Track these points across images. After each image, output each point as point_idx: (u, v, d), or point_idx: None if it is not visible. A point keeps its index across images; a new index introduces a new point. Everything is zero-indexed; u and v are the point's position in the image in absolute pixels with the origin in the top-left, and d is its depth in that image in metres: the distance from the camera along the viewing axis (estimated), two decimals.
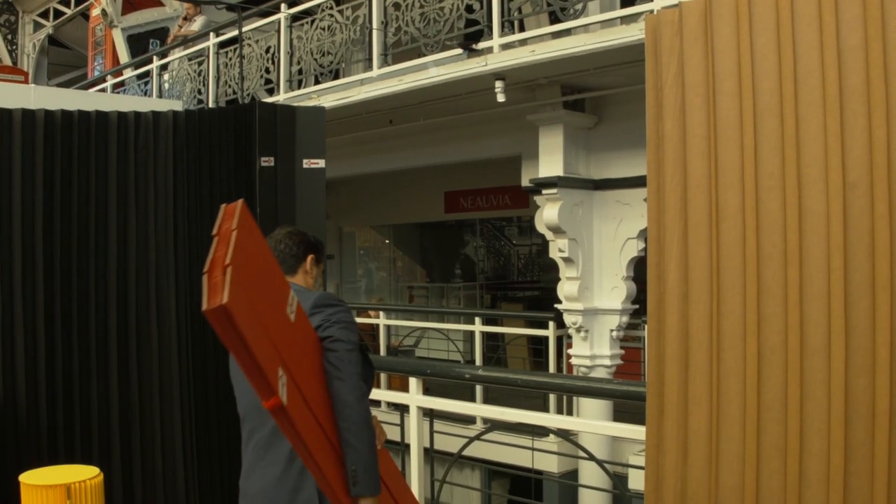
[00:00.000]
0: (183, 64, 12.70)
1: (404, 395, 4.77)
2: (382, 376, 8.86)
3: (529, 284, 17.64)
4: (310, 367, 2.83)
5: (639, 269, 8.34)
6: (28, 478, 3.73)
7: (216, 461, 4.97)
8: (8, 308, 4.56)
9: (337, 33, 9.78)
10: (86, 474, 3.79)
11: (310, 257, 3.32)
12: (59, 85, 18.32)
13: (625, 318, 8.67)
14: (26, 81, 12.71)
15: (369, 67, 9.33)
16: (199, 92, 12.12)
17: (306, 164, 5.10)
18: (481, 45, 8.04)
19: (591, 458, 4.99)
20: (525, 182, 9.16)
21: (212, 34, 11.93)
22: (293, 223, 4.95)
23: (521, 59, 7.65)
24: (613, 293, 8.57)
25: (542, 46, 7.56)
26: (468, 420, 9.41)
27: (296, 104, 6.49)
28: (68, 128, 4.72)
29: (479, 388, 9.63)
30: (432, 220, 16.41)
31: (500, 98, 8.12)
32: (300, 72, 10.41)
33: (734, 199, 3.12)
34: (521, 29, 8.37)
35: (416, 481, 4.93)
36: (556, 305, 8.91)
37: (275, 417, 2.51)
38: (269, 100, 10.17)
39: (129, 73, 14.37)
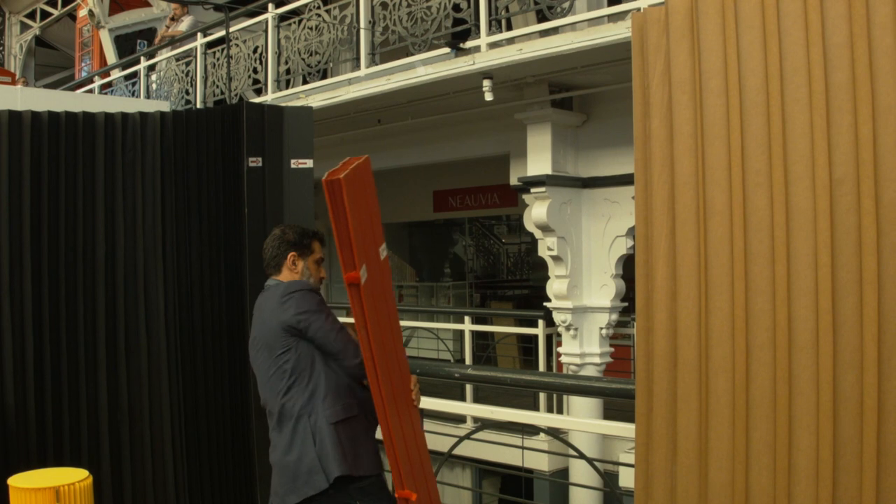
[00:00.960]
0: (170, 64, 12.67)
1: None
2: None
3: (519, 283, 17.67)
4: (384, 298, 3.50)
5: (628, 266, 8.36)
6: (17, 481, 3.71)
7: (205, 463, 4.96)
8: None
9: (324, 33, 9.77)
10: (75, 477, 3.77)
11: (290, 255, 3.75)
12: (47, 86, 18.26)
13: (614, 316, 8.69)
14: (13, 82, 12.68)
15: (357, 67, 9.32)
16: (187, 92, 12.09)
17: (294, 164, 5.09)
18: (469, 43, 8.05)
19: (582, 456, 4.99)
20: (513, 181, 9.17)
21: (199, 34, 11.90)
22: (281, 223, 4.95)
23: (509, 58, 7.66)
24: (602, 291, 8.59)
25: (529, 45, 7.57)
26: (458, 419, 9.41)
27: (284, 104, 6.47)
28: (55, 129, 4.70)
29: (469, 388, 9.63)
30: (421, 220, 16.40)
31: (488, 97, 8.13)
32: (288, 72, 10.39)
33: (721, 196, 3.13)
34: (509, 27, 8.37)
35: None
36: (545, 304, 8.92)
37: (349, 292, 3.14)
38: (257, 100, 10.16)
39: (116, 74, 14.33)
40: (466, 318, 10.79)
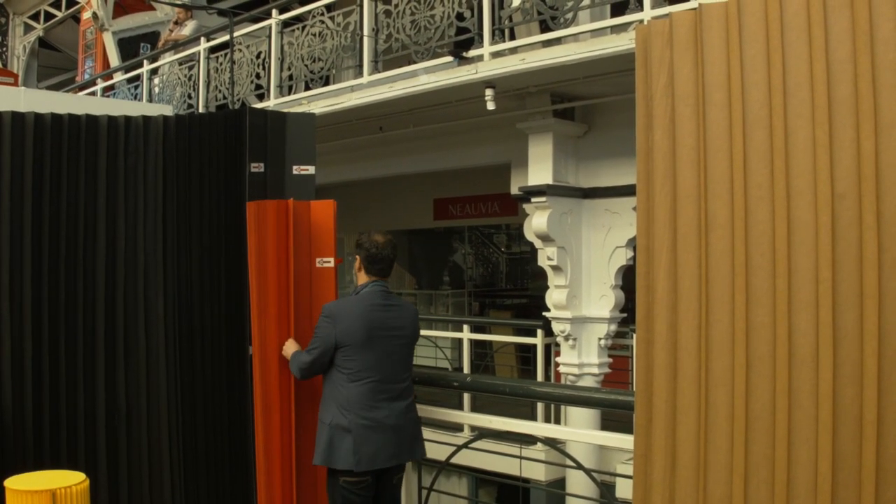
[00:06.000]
0: (173, 68, 12.69)
1: None
2: None
3: (518, 292, 17.66)
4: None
5: (627, 277, 8.36)
6: (13, 483, 3.70)
7: (202, 467, 4.95)
8: None
9: (328, 40, 9.79)
10: (72, 480, 3.77)
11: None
12: (49, 88, 18.27)
13: (613, 327, 8.69)
14: (16, 84, 12.68)
15: (360, 74, 9.34)
16: (190, 97, 12.11)
17: (296, 170, 5.10)
18: (472, 52, 8.07)
19: (579, 466, 4.98)
20: (514, 190, 9.17)
21: (203, 39, 11.92)
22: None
23: (512, 68, 7.67)
24: (602, 302, 8.59)
25: (532, 55, 7.58)
26: (456, 428, 9.40)
27: (286, 110, 6.48)
28: (58, 131, 4.70)
29: (466, 396, 9.62)
30: (421, 228, 16.41)
31: (490, 106, 8.14)
32: (290, 77, 10.40)
33: (723, 209, 3.14)
34: (512, 37, 8.38)
35: (403, 489, 4.92)
36: (544, 313, 8.92)
37: None
38: (260, 105, 10.17)
39: (119, 77, 14.34)
40: (465, 327, 10.78)
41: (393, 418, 4.36)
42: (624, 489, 7.30)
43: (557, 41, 7.65)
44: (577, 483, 8.22)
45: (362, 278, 4.54)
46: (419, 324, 4.67)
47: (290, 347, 4.55)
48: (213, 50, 11.78)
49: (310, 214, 4.76)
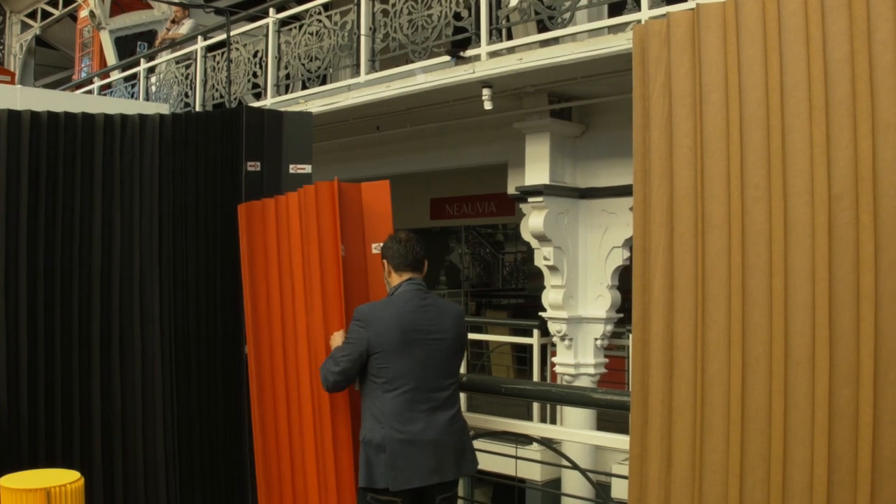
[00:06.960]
0: (170, 67, 12.68)
1: None
2: None
3: (514, 292, 17.65)
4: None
5: (623, 277, 8.36)
6: (8, 481, 3.69)
7: (197, 468, 4.95)
8: None
9: (325, 39, 9.78)
10: (66, 478, 3.76)
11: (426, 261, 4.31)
12: (46, 86, 18.25)
13: (609, 327, 8.69)
14: (13, 82, 12.66)
15: (357, 73, 9.33)
16: (187, 95, 12.10)
17: (293, 169, 5.09)
18: (469, 52, 8.07)
19: (575, 467, 4.98)
20: (511, 190, 9.18)
21: (199, 38, 11.91)
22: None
23: (509, 67, 7.67)
24: (598, 302, 8.59)
25: (529, 55, 7.58)
26: None
27: (283, 109, 6.47)
28: (54, 129, 4.70)
29: (462, 396, 9.60)
30: (418, 227, 16.39)
31: (487, 106, 8.14)
32: (287, 76, 10.40)
33: (720, 209, 3.13)
34: (509, 37, 8.38)
35: None
36: (540, 313, 8.92)
37: None
38: (257, 104, 10.15)
39: (116, 76, 14.33)
40: None
41: (433, 432, 4.00)
42: (619, 489, 7.31)
43: (555, 41, 7.65)
44: (573, 483, 8.22)
45: (395, 279, 4.20)
46: (465, 326, 4.25)
47: (337, 339, 4.21)
48: (210, 49, 11.77)
49: (361, 197, 4.45)
